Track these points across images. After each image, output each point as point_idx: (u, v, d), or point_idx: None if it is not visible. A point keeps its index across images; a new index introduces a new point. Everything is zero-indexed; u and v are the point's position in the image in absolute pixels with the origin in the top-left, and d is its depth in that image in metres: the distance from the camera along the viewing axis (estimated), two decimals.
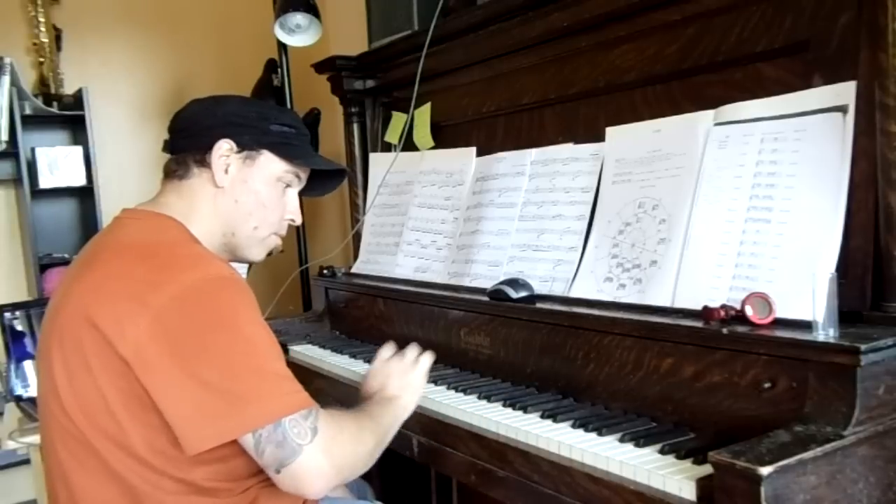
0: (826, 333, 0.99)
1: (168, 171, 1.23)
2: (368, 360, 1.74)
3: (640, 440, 1.10)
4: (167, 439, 1.05)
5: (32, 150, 3.11)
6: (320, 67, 2.36)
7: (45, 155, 3.13)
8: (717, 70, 1.36)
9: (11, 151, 3.01)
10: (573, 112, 1.66)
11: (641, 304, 1.31)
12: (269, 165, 1.24)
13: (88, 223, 3.25)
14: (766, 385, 1.03)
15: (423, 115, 2.08)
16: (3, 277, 3.21)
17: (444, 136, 2.05)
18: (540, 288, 1.51)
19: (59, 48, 3.26)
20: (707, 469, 0.92)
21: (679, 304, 1.25)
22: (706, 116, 1.33)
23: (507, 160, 1.75)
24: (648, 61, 1.47)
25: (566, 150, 1.61)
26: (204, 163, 1.20)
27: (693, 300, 1.21)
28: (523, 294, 1.49)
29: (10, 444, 1.98)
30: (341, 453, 1.06)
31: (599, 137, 1.52)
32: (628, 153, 1.45)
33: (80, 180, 3.18)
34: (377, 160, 2.23)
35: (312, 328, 2.19)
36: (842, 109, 1.12)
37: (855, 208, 1.10)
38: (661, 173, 1.37)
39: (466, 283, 1.72)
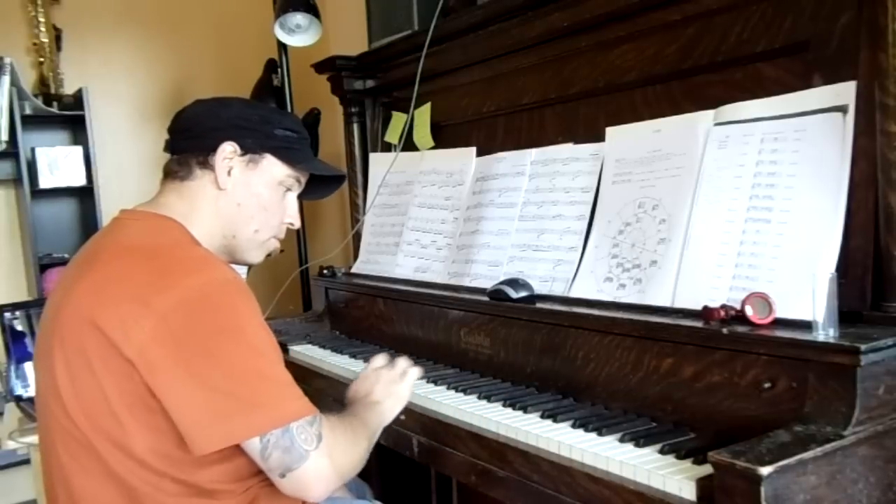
0: (826, 333, 0.99)
1: (169, 171, 1.23)
2: (368, 360, 1.74)
3: (640, 440, 1.10)
4: (169, 441, 1.05)
5: (32, 150, 3.11)
6: (320, 67, 2.36)
7: (45, 155, 3.14)
8: (717, 70, 1.36)
9: (11, 151, 3.01)
10: (573, 112, 1.66)
11: (641, 304, 1.31)
12: (272, 169, 1.24)
13: (88, 223, 3.25)
14: (766, 385, 1.03)
15: (423, 115, 2.08)
16: (3, 277, 3.21)
17: (444, 136, 2.05)
18: (540, 288, 1.51)
19: (59, 48, 3.26)
20: (707, 469, 0.92)
21: (679, 304, 1.25)
22: (706, 116, 1.32)
23: (507, 160, 1.75)
24: (648, 61, 1.47)
25: (566, 150, 1.61)
26: (206, 165, 1.20)
27: (693, 300, 1.21)
28: (523, 294, 1.49)
29: (10, 444, 1.99)
30: (342, 458, 1.09)
31: (599, 137, 1.52)
32: (628, 153, 1.45)
33: (80, 180, 3.18)
34: (377, 160, 2.23)
35: (312, 328, 2.19)
36: (842, 109, 1.12)
37: (855, 208, 1.10)
38: (661, 173, 1.37)
39: (466, 283, 1.72)
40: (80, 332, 1.05)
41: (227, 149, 1.20)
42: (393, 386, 1.33)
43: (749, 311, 1.09)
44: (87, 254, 1.17)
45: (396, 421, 1.44)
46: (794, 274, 1.12)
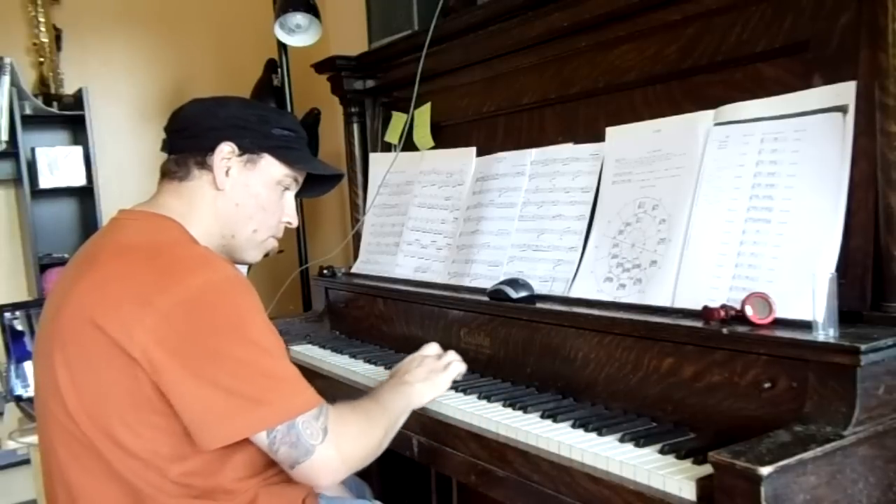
0: (826, 333, 0.99)
1: (167, 171, 1.23)
2: (368, 360, 1.74)
3: (640, 440, 1.10)
4: (171, 441, 1.05)
5: (32, 150, 3.11)
6: (320, 67, 2.36)
7: (45, 155, 3.14)
8: (717, 70, 1.36)
9: (11, 151, 3.01)
10: (573, 112, 1.66)
11: (641, 304, 1.31)
12: (270, 169, 1.25)
13: (88, 223, 3.25)
14: (766, 385, 1.03)
15: (423, 115, 2.08)
16: (3, 277, 3.21)
17: (444, 136, 2.05)
18: (540, 288, 1.51)
19: (59, 48, 3.26)
20: (707, 469, 0.92)
21: (679, 304, 1.25)
22: (706, 116, 1.32)
23: (507, 160, 1.75)
24: (648, 61, 1.47)
25: (566, 150, 1.61)
26: (204, 165, 1.20)
27: (693, 300, 1.21)
28: (523, 294, 1.49)
29: (10, 444, 1.98)
30: (350, 449, 1.11)
31: (599, 137, 1.52)
32: (628, 153, 1.45)
33: (80, 180, 3.19)
34: (377, 160, 2.23)
35: (312, 328, 2.19)
36: (842, 109, 1.12)
37: (855, 208, 1.10)
38: (661, 173, 1.37)
39: (466, 283, 1.73)
40: (81, 333, 1.05)
41: (225, 149, 1.20)
42: (433, 374, 1.36)
43: (749, 311, 1.09)
44: (87, 254, 1.17)
45: None
46: (794, 274, 1.12)
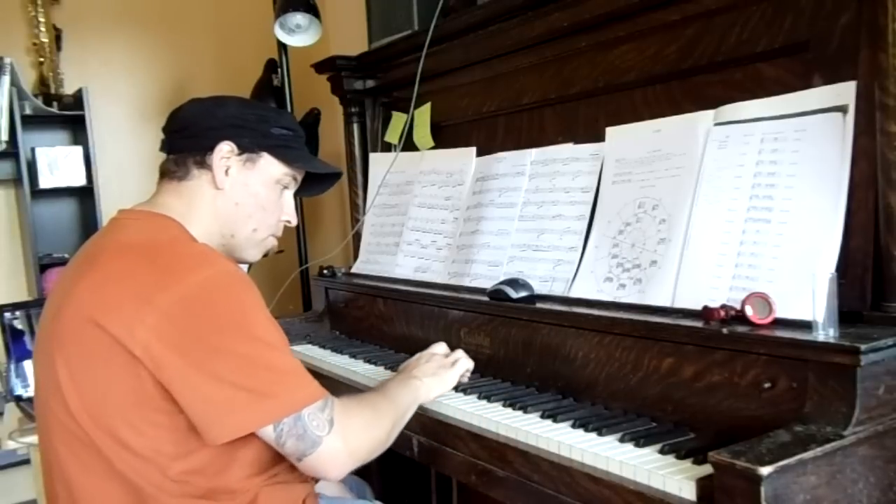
0: (826, 333, 0.99)
1: (166, 171, 1.23)
2: (368, 360, 1.74)
3: (640, 440, 1.10)
4: (173, 440, 1.05)
5: (32, 150, 3.11)
6: (320, 67, 2.36)
7: (45, 155, 3.14)
8: (717, 70, 1.36)
9: (11, 151, 3.02)
10: (573, 112, 1.66)
11: (641, 304, 1.31)
12: (269, 168, 1.25)
13: (88, 223, 3.25)
14: (766, 385, 1.03)
15: (423, 115, 2.08)
16: (3, 277, 3.22)
17: (444, 136, 2.05)
18: (540, 288, 1.51)
19: (59, 48, 3.26)
20: (707, 469, 0.92)
21: (679, 304, 1.25)
22: (706, 116, 1.32)
23: (507, 160, 1.75)
24: (648, 61, 1.47)
25: (566, 150, 1.61)
26: (204, 164, 1.20)
27: (693, 300, 1.21)
28: (523, 294, 1.49)
29: (10, 444, 1.99)
30: (356, 440, 1.11)
31: (599, 137, 1.52)
32: (628, 153, 1.45)
33: (80, 180, 3.19)
34: (377, 160, 2.23)
35: (312, 328, 2.19)
36: (842, 109, 1.12)
37: (855, 208, 1.10)
38: (661, 173, 1.37)
39: (466, 283, 1.73)
40: (82, 332, 1.05)
41: (225, 148, 1.20)
42: (441, 370, 1.39)
43: (749, 311, 1.09)
44: (87, 254, 1.17)
45: None
46: (794, 274, 1.12)
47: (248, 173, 1.23)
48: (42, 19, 3.19)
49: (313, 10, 2.75)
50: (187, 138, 1.22)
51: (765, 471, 0.82)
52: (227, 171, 1.21)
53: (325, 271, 2.23)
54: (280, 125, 1.26)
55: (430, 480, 2.16)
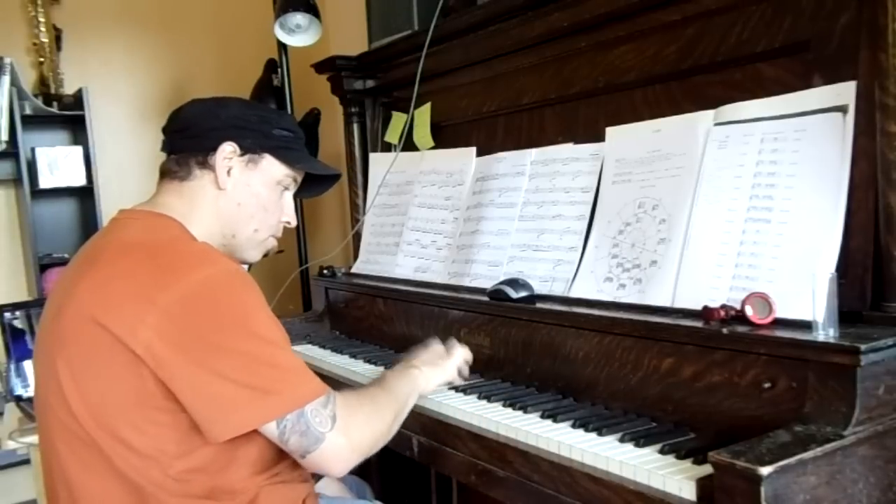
0: (826, 333, 0.99)
1: (167, 171, 1.23)
2: (368, 360, 1.74)
3: (640, 440, 1.10)
4: (174, 439, 1.05)
5: (32, 150, 3.11)
6: (320, 67, 2.36)
7: (45, 155, 3.14)
8: (717, 70, 1.36)
9: (11, 151, 3.01)
10: (573, 112, 1.66)
11: (641, 304, 1.31)
12: (271, 169, 1.26)
13: (88, 223, 3.25)
14: (766, 385, 1.03)
15: (423, 115, 2.08)
16: (3, 277, 3.21)
17: (444, 136, 2.05)
18: (540, 288, 1.51)
19: (59, 48, 3.26)
20: (707, 469, 0.92)
21: (679, 304, 1.25)
22: (706, 116, 1.32)
23: (507, 160, 1.75)
24: (648, 61, 1.47)
25: (566, 150, 1.61)
26: (206, 165, 1.21)
27: (693, 300, 1.21)
28: (523, 294, 1.49)
29: (10, 444, 1.98)
30: (359, 435, 1.12)
31: (599, 137, 1.52)
32: (628, 153, 1.45)
33: (80, 180, 3.18)
34: (377, 160, 2.23)
35: (312, 328, 2.19)
36: (842, 109, 1.12)
37: (855, 208, 1.10)
38: (661, 173, 1.37)
39: (466, 283, 1.73)
40: (83, 332, 1.05)
41: (227, 149, 1.21)
42: (439, 359, 1.40)
43: (749, 311, 1.09)
44: (88, 254, 1.17)
45: None
46: (794, 274, 1.12)
47: (250, 174, 1.23)
48: (42, 19, 3.19)
49: (313, 10, 2.75)
50: (189, 138, 1.22)
51: (765, 471, 0.82)
52: (229, 172, 1.21)
53: (325, 271, 2.23)
54: (281, 126, 1.27)
55: (430, 480, 2.16)
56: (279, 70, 3.05)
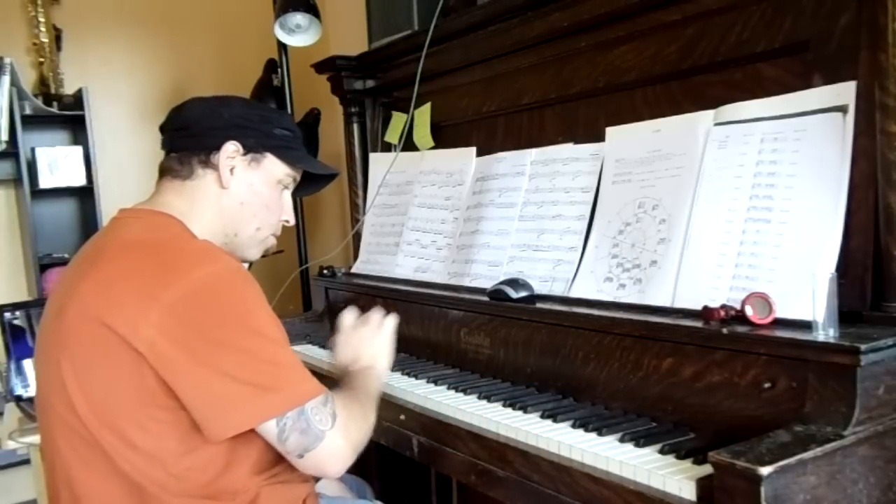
0: (826, 333, 0.99)
1: (168, 169, 1.23)
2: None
3: (640, 440, 1.10)
4: (178, 436, 1.06)
5: (32, 150, 3.11)
6: (320, 67, 2.36)
7: (45, 155, 3.14)
8: (717, 70, 1.36)
9: (11, 151, 3.01)
10: (573, 112, 1.66)
11: (641, 304, 1.31)
12: (273, 168, 1.27)
13: (88, 223, 3.25)
14: (766, 385, 1.03)
15: (423, 115, 2.08)
16: (3, 277, 3.21)
17: (444, 136, 2.05)
18: (540, 288, 1.51)
19: (59, 48, 3.26)
20: (707, 469, 0.92)
21: (679, 304, 1.25)
22: (706, 116, 1.32)
23: (507, 160, 1.75)
24: (648, 61, 1.47)
25: (566, 150, 1.61)
26: (208, 164, 1.21)
27: (693, 300, 1.21)
28: (523, 294, 1.49)
29: (10, 444, 1.98)
30: (356, 433, 1.12)
31: (599, 137, 1.52)
32: (628, 153, 1.45)
33: (80, 180, 3.18)
34: (377, 160, 2.23)
35: (312, 328, 2.19)
36: (842, 109, 1.12)
37: (855, 208, 1.10)
38: (661, 173, 1.37)
39: (466, 283, 1.72)
40: (86, 331, 1.05)
41: (230, 148, 1.21)
42: (375, 343, 1.36)
43: (749, 311, 1.09)
44: (89, 253, 1.17)
45: (396, 421, 1.44)
46: (794, 274, 1.12)
47: (252, 173, 1.24)
48: (42, 19, 3.19)
49: (313, 10, 2.75)
50: (191, 137, 1.22)
51: (765, 471, 0.82)
52: (231, 171, 1.22)
53: (325, 271, 2.23)
54: (282, 126, 1.28)
55: (430, 480, 2.16)
56: (279, 70, 3.05)
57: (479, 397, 1.39)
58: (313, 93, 2.91)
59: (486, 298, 1.55)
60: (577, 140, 1.60)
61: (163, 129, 1.27)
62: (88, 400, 1.05)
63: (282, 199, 1.31)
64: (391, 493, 2.06)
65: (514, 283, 1.51)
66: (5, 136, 2.97)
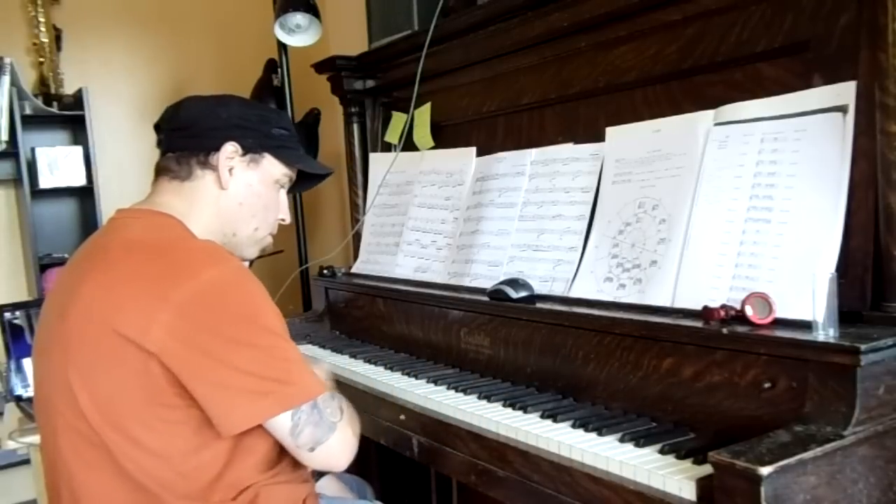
0: (826, 333, 0.99)
1: (165, 169, 1.23)
2: (368, 360, 1.74)
3: (640, 440, 1.10)
4: (185, 434, 1.06)
5: (32, 150, 3.11)
6: (320, 67, 2.36)
7: (45, 155, 3.14)
8: (717, 70, 1.36)
9: (11, 151, 3.01)
10: (573, 112, 1.66)
11: (641, 304, 1.31)
12: (271, 168, 1.27)
13: (88, 223, 3.25)
14: (766, 385, 1.03)
15: (423, 115, 2.08)
16: (3, 277, 3.21)
17: (444, 136, 2.05)
18: (540, 288, 1.51)
19: (59, 48, 3.26)
20: (707, 469, 0.92)
21: (679, 304, 1.25)
22: (706, 116, 1.32)
23: (507, 160, 1.75)
24: (648, 61, 1.47)
25: (566, 150, 1.61)
26: (207, 164, 1.21)
27: (693, 300, 1.21)
28: (523, 294, 1.49)
29: (10, 444, 1.98)
30: (358, 426, 1.18)
31: (599, 137, 1.52)
32: (628, 153, 1.45)
33: (80, 180, 3.18)
34: (377, 160, 2.23)
35: (312, 328, 2.19)
36: (842, 109, 1.12)
37: (855, 208, 1.10)
38: (661, 173, 1.37)
39: (466, 283, 1.72)
40: (91, 333, 1.05)
41: (229, 149, 1.21)
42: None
43: (749, 311, 1.09)
44: (89, 253, 1.17)
45: (396, 421, 1.44)
46: (794, 274, 1.12)
47: (251, 173, 1.24)
48: (42, 19, 3.19)
49: (313, 10, 2.75)
50: (190, 137, 1.22)
51: (765, 471, 0.82)
52: (230, 172, 1.22)
53: (325, 271, 2.23)
54: (279, 126, 1.28)
55: (430, 480, 2.16)
56: (279, 70, 3.05)
57: (479, 397, 1.39)
58: (313, 93, 2.91)
59: (486, 298, 1.55)
60: (577, 140, 1.60)
61: (159, 127, 1.27)
62: (94, 400, 1.05)
63: (279, 199, 1.31)
64: (391, 493, 2.06)
65: (514, 283, 1.51)
66: (5, 136, 2.97)
